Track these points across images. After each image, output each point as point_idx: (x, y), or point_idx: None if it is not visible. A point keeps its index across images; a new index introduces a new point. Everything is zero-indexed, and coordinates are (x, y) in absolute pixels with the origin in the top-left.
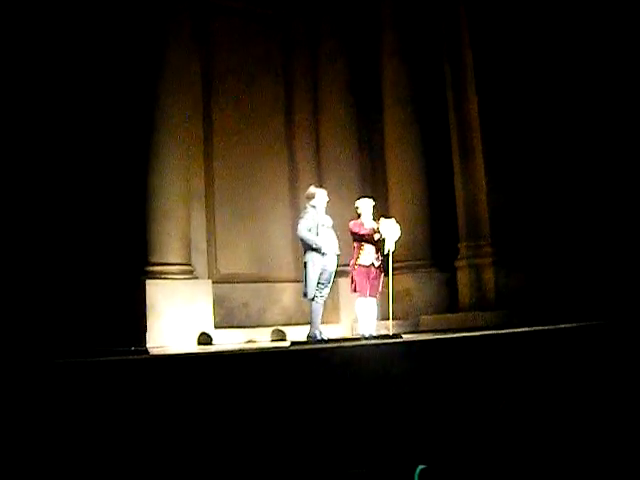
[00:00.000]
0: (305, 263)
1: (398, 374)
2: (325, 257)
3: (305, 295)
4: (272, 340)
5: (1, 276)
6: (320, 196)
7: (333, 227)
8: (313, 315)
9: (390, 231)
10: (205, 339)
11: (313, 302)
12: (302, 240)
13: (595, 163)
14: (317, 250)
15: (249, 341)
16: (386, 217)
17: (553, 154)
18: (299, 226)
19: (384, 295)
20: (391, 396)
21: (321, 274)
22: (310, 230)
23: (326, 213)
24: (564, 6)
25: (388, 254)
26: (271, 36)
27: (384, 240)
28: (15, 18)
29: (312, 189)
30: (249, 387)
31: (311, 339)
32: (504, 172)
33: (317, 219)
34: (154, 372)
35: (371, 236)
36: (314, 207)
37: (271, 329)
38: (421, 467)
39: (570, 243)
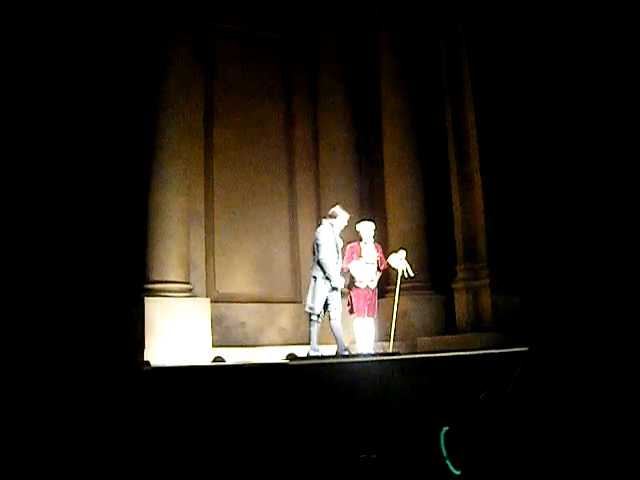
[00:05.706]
0: (315, 277)
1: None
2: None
3: (311, 310)
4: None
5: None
6: (342, 219)
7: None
8: (313, 333)
9: (400, 264)
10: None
11: (313, 320)
12: (318, 254)
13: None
14: (328, 279)
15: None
16: (395, 251)
17: (547, 180)
18: (320, 239)
19: (382, 317)
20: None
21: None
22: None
23: (340, 236)
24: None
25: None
26: (272, 58)
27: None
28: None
29: (337, 209)
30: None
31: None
32: (501, 197)
33: (335, 238)
34: None
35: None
36: (332, 225)
37: (268, 349)
38: (446, 428)
39: (564, 266)
